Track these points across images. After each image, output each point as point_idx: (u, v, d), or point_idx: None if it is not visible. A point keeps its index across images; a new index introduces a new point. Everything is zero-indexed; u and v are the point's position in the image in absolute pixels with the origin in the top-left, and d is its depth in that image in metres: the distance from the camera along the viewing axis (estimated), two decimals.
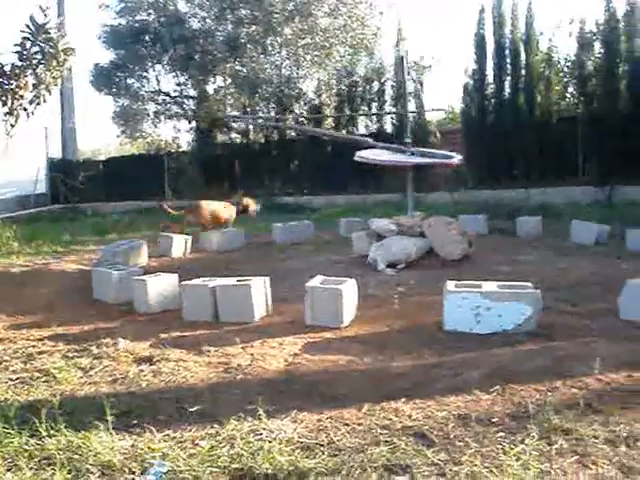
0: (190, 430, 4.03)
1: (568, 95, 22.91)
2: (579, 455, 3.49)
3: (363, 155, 11.34)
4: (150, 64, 24.78)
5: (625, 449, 3.53)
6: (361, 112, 24.37)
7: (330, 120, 24.78)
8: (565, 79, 22.85)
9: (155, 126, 25.88)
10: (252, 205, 14.44)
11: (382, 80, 24.14)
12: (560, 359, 5.07)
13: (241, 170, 24.80)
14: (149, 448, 3.79)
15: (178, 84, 25.30)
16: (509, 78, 21.43)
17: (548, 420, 3.85)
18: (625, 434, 3.70)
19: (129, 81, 24.97)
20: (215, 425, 4.06)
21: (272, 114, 24.97)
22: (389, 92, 24.12)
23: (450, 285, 6.34)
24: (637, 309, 6.11)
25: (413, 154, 11.13)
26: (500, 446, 3.60)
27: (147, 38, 23.91)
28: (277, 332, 6.31)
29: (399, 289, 7.82)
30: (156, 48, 23.84)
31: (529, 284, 6.35)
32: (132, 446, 3.83)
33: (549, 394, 4.33)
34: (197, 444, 3.82)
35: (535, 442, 3.62)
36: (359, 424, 4.00)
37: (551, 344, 5.51)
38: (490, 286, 6.26)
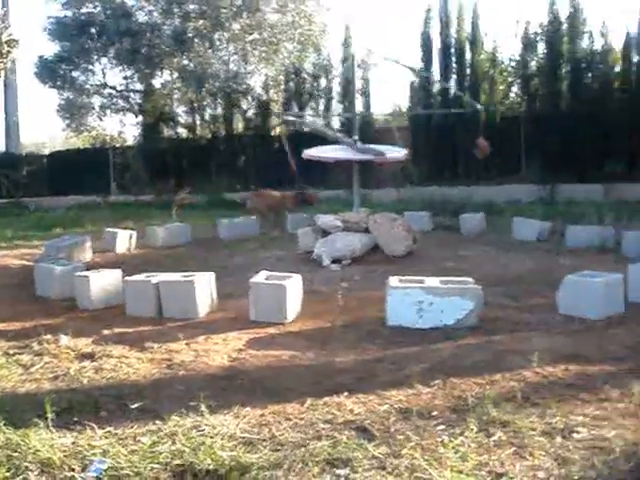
0: (132, 426, 3.99)
1: (512, 94, 23.32)
2: (516, 447, 3.55)
3: (312, 153, 11.40)
4: (96, 57, 24.47)
5: (561, 440, 3.61)
6: (310, 111, 24.40)
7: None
8: (509, 79, 23.23)
9: (100, 120, 25.58)
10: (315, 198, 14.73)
11: (329, 77, 24.22)
12: (500, 353, 5.17)
13: (188, 165, 24.64)
14: (90, 445, 3.73)
15: (124, 78, 25.05)
16: (454, 77, 21.73)
17: (487, 413, 3.91)
18: (561, 426, 3.78)
19: (74, 74, 24.62)
20: (157, 421, 4.03)
21: (219, 110, 24.90)
22: (336, 88, 24.23)
23: (393, 281, 6.40)
24: (575, 304, 6.26)
25: (359, 150, 11.21)
26: (440, 439, 3.65)
27: (93, 31, 23.61)
28: (221, 328, 6.29)
29: (343, 285, 7.85)
30: (102, 41, 23.57)
31: (471, 279, 6.46)
32: (73, 443, 3.77)
33: (488, 387, 4.41)
34: (138, 440, 3.78)
35: (474, 434, 3.67)
36: (301, 419, 4.02)
37: (491, 338, 5.62)
38: (433, 282, 6.34)
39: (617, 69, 21.13)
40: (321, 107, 24.50)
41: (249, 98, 25.04)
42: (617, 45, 21.10)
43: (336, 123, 23.94)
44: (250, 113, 25.58)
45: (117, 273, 7.69)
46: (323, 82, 24.52)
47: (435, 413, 4.03)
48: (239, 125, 26.13)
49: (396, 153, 12.01)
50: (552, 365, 4.81)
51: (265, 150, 23.63)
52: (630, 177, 18.77)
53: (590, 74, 20.90)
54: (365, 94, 23.30)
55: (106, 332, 6.28)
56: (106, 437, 3.85)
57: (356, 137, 11.42)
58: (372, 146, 11.82)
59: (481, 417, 3.88)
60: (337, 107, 24.25)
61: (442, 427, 3.82)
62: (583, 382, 4.50)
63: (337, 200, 18.04)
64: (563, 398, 4.21)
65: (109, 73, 25.18)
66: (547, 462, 3.38)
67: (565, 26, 20.89)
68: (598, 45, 20.93)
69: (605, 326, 5.91)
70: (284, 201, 14.46)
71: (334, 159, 12.11)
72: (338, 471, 3.34)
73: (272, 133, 25.19)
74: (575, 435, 3.67)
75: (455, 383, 4.52)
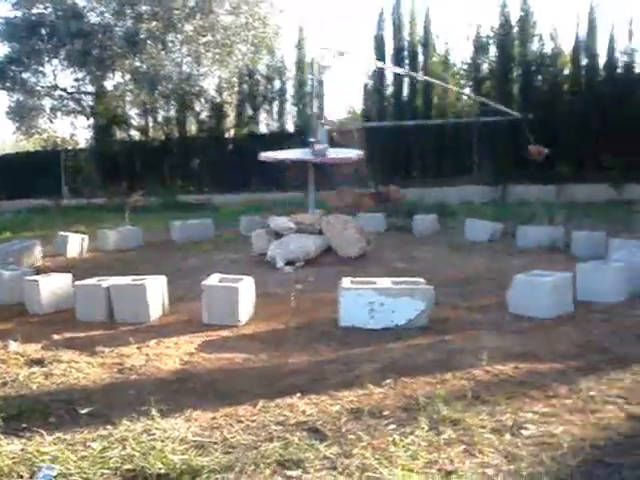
0: (82, 432, 3.94)
1: (464, 97, 23.57)
2: (466, 444, 3.59)
3: (269, 155, 11.41)
4: (46, 58, 24.11)
5: (510, 437, 3.66)
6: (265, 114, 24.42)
7: (232, 117, 24.78)
8: (462, 82, 23.49)
9: (51, 122, 25.22)
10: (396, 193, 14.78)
11: (283, 79, 24.25)
12: (450, 352, 5.22)
13: (141, 168, 24.46)
14: (39, 451, 3.68)
15: (76, 80, 24.74)
16: (407, 80, 21.88)
17: (437, 411, 3.95)
18: (510, 423, 3.83)
19: (24, 75, 24.22)
20: (107, 426, 3.99)
21: (172, 112, 24.75)
22: (290, 91, 24.26)
23: (345, 282, 6.43)
24: (524, 303, 6.35)
25: (315, 152, 11.21)
26: (391, 438, 3.67)
27: (43, 32, 23.25)
28: (173, 331, 6.25)
29: (297, 286, 7.86)
30: (53, 42, 23.22)
31: (422, 280, 6.50)
32: (21, 450, 3.71)
33: (439, 386, 4.45)
34: (88, 446, 3.73)
35: (424, 433, 3.70)
36: (253, 421, 4.01)
37: (442, 338, 5.67)
38: (384, 282, 6.38)
39: (566, 72, 21.51)
40: (275, 109, 24.50)
41: (202, 100, 24.94)
42: (567, 49, 21.53)
43: (290, 126, 24.00)
44: (203, 115, 25.50)
45: (67, 277, 7.58)
46: (277, 84, 24.54)
47: (386, 412, 4.05)
48: (192, 127, 26.01)
49: (349, 154, 12.05)
50: (502, 363, 4.87)
51: (219, 152, 23.56)
52: (579, 178, 19.13)
53: (540, 77, 21.24)
54: (319, 96, 23.33)
55: (56, 337, 6.19)
56: (55, 443, 3.79)
57: (312, 139, 11.42)
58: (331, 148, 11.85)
59: (432, 416, 3.91)
60: (291, 109, 24.28)
61: (393, 426, 3.84)
62: (532, 380, 4.56)
63: (293, 202, 18.03)
64: (513, 395, 4.27)
65: (60, 75, 24.90)
66: (496, 459, 3.42)
67: (516, 29, 21.21)
68: (548, 48, 21.33)
69: (554, 325, 6.01)
70: (363, 199, 14.46)
71: (287, 159, 12.13)
72: (290, 472, 3.34)
73: (226, 135, 25.12)
74: (524, 432, 3.72)
75: (406, 382, 4.55)
